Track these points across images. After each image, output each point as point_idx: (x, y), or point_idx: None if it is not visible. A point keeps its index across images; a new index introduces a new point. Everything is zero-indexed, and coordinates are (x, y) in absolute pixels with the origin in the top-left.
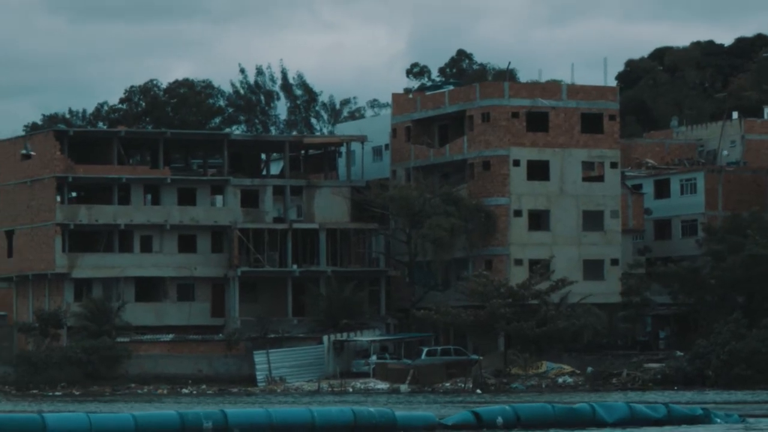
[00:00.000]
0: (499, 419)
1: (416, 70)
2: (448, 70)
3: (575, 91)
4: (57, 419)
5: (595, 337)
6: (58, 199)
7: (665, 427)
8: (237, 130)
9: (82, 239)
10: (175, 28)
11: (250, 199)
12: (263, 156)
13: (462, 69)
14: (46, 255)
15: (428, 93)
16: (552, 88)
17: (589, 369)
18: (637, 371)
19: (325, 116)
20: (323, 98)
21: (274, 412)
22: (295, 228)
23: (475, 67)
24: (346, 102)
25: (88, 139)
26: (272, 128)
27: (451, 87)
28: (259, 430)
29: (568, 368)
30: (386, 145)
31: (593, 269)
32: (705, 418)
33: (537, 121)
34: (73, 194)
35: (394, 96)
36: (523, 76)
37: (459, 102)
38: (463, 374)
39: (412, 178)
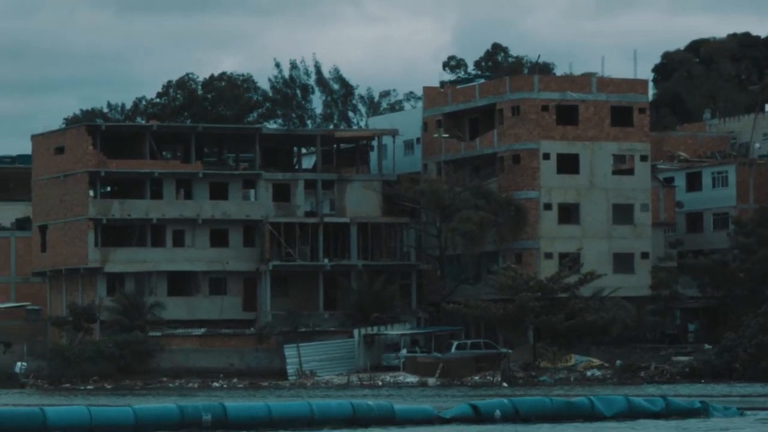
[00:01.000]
0: (497, 412)
1: (453, 63)
2: (483, 63)
3: (605, 84)
4: (57, 412)
5: (624, 331)
6: (91, 193)
7: (663, 420)
8: (273, 125)
9: (114, 234)
10: (220, 22)
11: (282, 193)
12: (299, 150)
13: (497, 62)
14: (79, 250)
15: (459, 86)
16: (582, 81)
17: (618, 362)
18: (665, 364)
19: (364, 110)
20: (362, 91)
21: (274, 406)
22: (326, 222)
23: (510, 60)
24: (385, 95)
25: (120, 133)
26: (308, 122)
27: (483, 80)
28: (258, 423)
29: (596, 361)
30: (417, 139)
31: (623, 262)
32: (703, 411)
33: (567, 115)
34: (107, 189)
35: (426, 89)
36: (566, 69)
37: (489, 95)
38: (492, 368)
39: (443, 171)
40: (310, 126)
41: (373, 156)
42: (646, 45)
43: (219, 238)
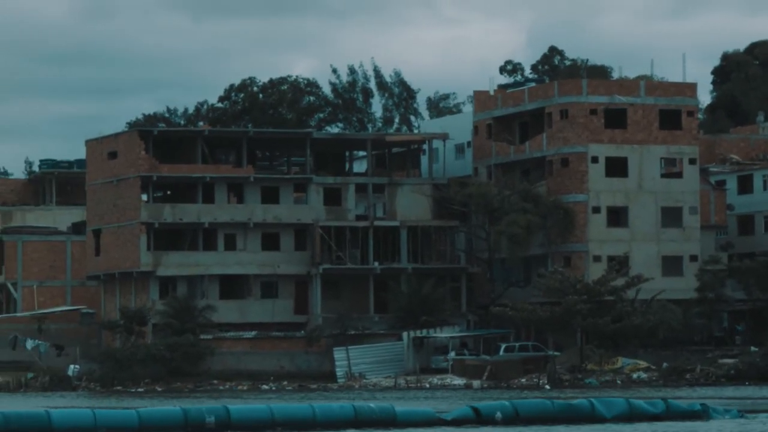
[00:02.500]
0: (498, 414)
1: (509, 67)
2: (540, 67)
3: (653, 87)
4: (62, 414)
5: (672, 333)
6: (144, 198)
7: (663, 423)
8: (335, 129)
9: (166, 238)
10: (294, 24)
11: (333, 197)
12: (357, 153)
13: (554, 66)
14: (132, 253)
15: (510, 90)
16: (630, 84)
17: (665, 365)
18: (711, 367)
19: (426, 113)
20: (430, 94)
21: (276, 408)
22: (376, 225)
23: (566, 63)
24: (444, 98)
25: (172, 138)
26: (369, 126)
27: (533, 84)
28: (261, 425)
29: (643, 364)
30: (468, 143)
31: (672, 265)
32: (703, 414)
33: (615, 118)
34: (159, 193)
35: (476, 93)
36: (638, 71)
37: (538, 99)
38: (540, 370)
39: (493, 175)
40: (370, 130)
41: (425, 160)
42: (716, 46)
43: (270, 242)
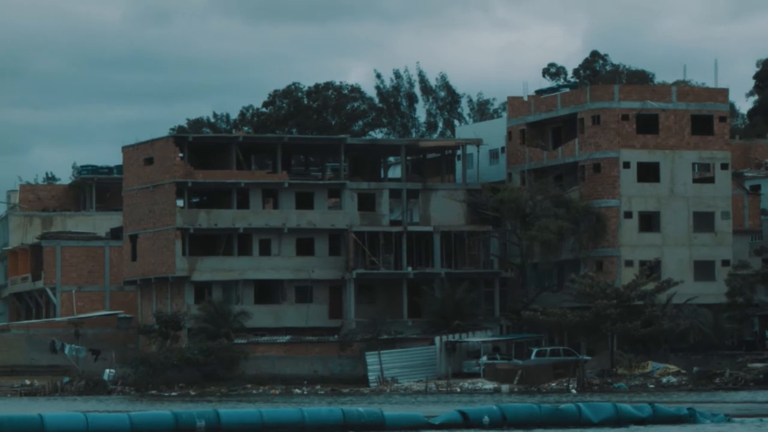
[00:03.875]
0: (486, 419)
1: (553, 71)
2: (581, 71)
3: (685, 93)
4: (55, 418)
5: (702, 337)
6: (180, 203)
7: (650, 427)
8: (379, 134)
9: (202, 243)
10: (348, 29)
11: (368, 203)
12: (391, 159)
13: (596, 70)
14: (168, 259)
15: (544, 96)
16: (661, 90)
17: (695, 369)
18: (740, 371)
19: (470, 117)
20: (485, 98)
21: (266, 412)
22: (410, 231)
23: (608, 68)
24: (485, 103)
25: (207, 144)
26: (413, 131)
27: (567, 90)
28: (251, 429)
29: (673, 368)
30: (502, 148)
31: (704, 270)
32: (690, 418)
33: (647, 123)
34: (195, 199)
35: (510, 99)
36: (696, 75)
37: (570, 105)
38: (570, 374)
39: (526, 180)
40: (414, 135)
41: (460, 165)
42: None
43: (305, 247)
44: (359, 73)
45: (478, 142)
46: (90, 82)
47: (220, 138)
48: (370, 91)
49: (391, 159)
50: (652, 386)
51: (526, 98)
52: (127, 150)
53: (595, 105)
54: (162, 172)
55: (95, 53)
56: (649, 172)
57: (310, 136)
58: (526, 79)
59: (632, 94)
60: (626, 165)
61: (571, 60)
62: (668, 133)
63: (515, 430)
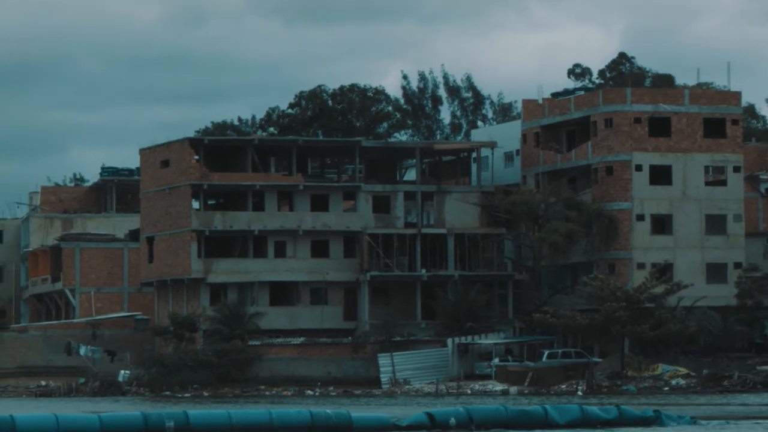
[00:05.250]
0: (452, 420)
1: (578, 71)
2: (607, 73)
3: (697, 96)
4: (26, 419)
5: (713, 340)
6: (195, 206)
7: (616, 429)
8: (404, 135)
9: (217, 245)
10: (385, 30)
11: (383, 205)
12: (411, 161)
13: (621, 72)
14: (183, 260)
15: (559, 98)
16: (674, 93)
17: (705, 371)
18: (749, 373)
19: (493, 119)
20: (497, 99)
21: (234, 413)
22: (424, 233)
23: (634, 69)
24: (508, 106)
25: (223, 147)
26: (437, 133)
27: (582, 92)
28: (219, 430)
29: (683, 370)
30: (517, 151)
31: (716, 272)
32: (656, 420)
33: (659, 127)
34: (212, 201)
35: (524, 102)
36: (734, 76)
37: (583, 108)
38: (581, 376)
39: (540, 183)
40: (438, 137)
41: (475, 168)
42: None
43: (320, 249)
44: (397, 75)
45: (492, 145)
46: (127, 83)
47: (236, 141)
48: (398, 93)
49: (411, 161)
50: (667, 389)
51: (540, 101)
52: (144, 152)
53: (608, 108)
54: (178, 175)
55: (132, 54)
56: (661, 175)
57: (325, 138)
58: (559, 79)
59: (644, 97)
60: (638, 168)
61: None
62: (681, 136)
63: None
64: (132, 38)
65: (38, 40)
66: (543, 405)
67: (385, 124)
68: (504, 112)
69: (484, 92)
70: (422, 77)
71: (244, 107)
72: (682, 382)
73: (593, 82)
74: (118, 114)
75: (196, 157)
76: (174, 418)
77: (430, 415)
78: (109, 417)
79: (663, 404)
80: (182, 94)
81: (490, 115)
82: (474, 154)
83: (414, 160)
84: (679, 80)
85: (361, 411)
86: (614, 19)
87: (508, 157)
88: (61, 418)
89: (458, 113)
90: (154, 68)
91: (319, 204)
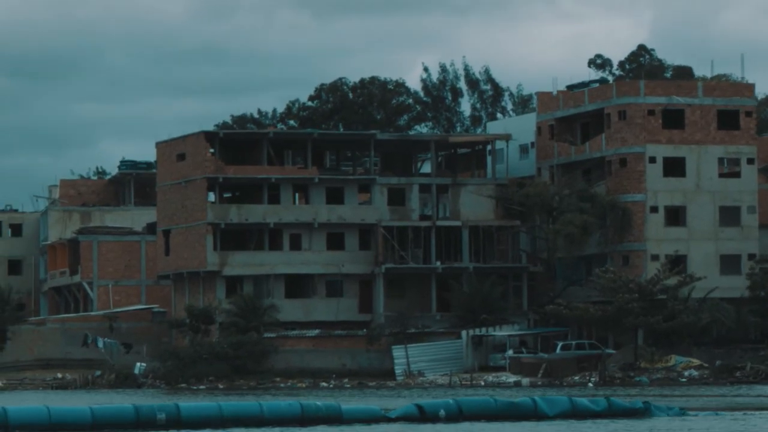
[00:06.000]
0: (442, 412)
1: (599, 62)
2: (627, 65)
3: (711, 88)
4: (18, 411)
5: (726, 331)
6: (211, 199)
7: (605, 420)
8: (424, 128)
9: (233, 238)
10: (414, 21)
11: (398, 198)
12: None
13: (641, 64)
14: (199, 253)
15: (575, 90)
16: (687, 85)
17: (718, 362)
18: (761, 365)
19: (513, 111)
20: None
21: (225, 406)
22: (438, 225)
23: (653, 62)
24: (528, 98)
25: (239, 140)
26: (457, 125)
27: (597, 84)
28: (210, 422)
29: (696, 362)
30: (532, 143)
31: (730, 264)
32: (645, 411)
33: (673, 119)
34: (227, 194)
35: (539, 95)
36: (759, 68)
37: (597, 100)
38: (594, 368)
39: (555, 175)
40: (458, 129)
41: (490, 160)
42: None
43: (335, 242)
44: (429, 65)
45: (507, 137)
46: (156, 76)
47: (251, 134)
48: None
49: (427, 154)
50: (684, 380)
51: (555, 93)
52: (160, 146)
53: (621, 100)
54: (193, 168)
55: (161, 47)
56: (675, 167)
57: (340, 131)
58: (583, 71)
59: (658, 90)
60: (652, 160)
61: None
62: (694, 128)
63: (469, 423)
64: (161, 31)
65: (67, 33)
66: (532, 396)
67: (405, 117)
68: (524, 104)
69: (510, 84)
70: (443, 69)
71: (272, 100)
72: (695, 373)
73: (613, 74)
74: (146, 107)
75: (212, 150)
76: (165, 411)
77: (419, 407)
78: (100, 409)
79: (673, 396)
80: (211, 87)
81: (509, 107)
82: (489, 147)
83: (429, 153)
84: (705, 72)
85: (352, 403)
86: (642, 10)
87: (523, 149)
88: (52, 410)
89: (478, 105)
90: (183, 61)
91: (335, 197)
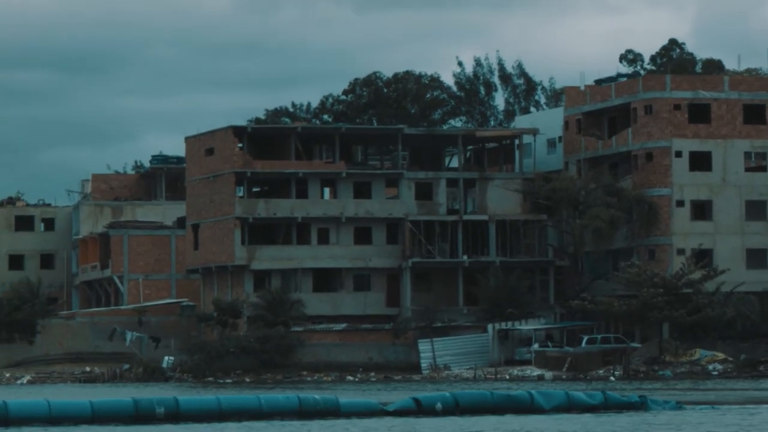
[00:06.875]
0: (439, 405)
1: (630, 57)
2: (658, 59)
3: (737, 82)
4: (18, 405)
5: (752, 325)
6: (240, 193)
7: (601, 414)
8: (458, 122)
9: (261, 232)
10: (456, 15)
11: (425, 192)
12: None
13: (672, 58)
14: (227, 248)
15: (603, 85)
16: (713, 80)
17: (742, 356)
18: None
19: (546, 105)
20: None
21: (224, 399)
22: (465, 220)
23: (685, 56)
24: (560, 92)
25: (267, 134)
26: (491, 119)
27: (624, 79)
28: (209, 416)
29: (721, 356)
30: (560, 138)
31: (756, 258)
32: (641, 405)
33: (699, 113)
34: (256, 189)
35: (567, 89)
36: None
37: (624, 95)
38: (619, 362)
39: (582, 170)
40: (492, 123)
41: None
42: None
43: (362, 236)
44: (465, 60)
45: (534, 132)
46: (199, 70)
47: (279, 128)
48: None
49: (455, 148)
50: (715, 373)
51: (582, 88)
52: (189, 140)
53: (647, 95)
54: (222, 163)
55: (205, 41)
56: (701, 161)
57: (367, 126)
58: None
59: (684, 84)
60: (678, 154)
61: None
62: (720, 123)
63: (466, 416)
64: (204, 25)
65: (112, 27)
66: (529, 390)
67: (439, 111)
68: (557, 98)
69: (546, 77)
70: (477, 63)
71: (312, 93)
72: (719, 367)
73: (644, 68)
74: (187, 101)
75: (240, 144)
76: (164, 404)
77: (416, 401)
78: (100, 402)
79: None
80: (252, 81)
81: (543, 101)
82: (517, 141)
83: (452, 148)
84: (743, 65)
85: (349, 397)
86: (686, 3)
87: (551, 143)
88: (52, 404)
89: (511, 100)
90: (225, 55)
91: (362, 191)
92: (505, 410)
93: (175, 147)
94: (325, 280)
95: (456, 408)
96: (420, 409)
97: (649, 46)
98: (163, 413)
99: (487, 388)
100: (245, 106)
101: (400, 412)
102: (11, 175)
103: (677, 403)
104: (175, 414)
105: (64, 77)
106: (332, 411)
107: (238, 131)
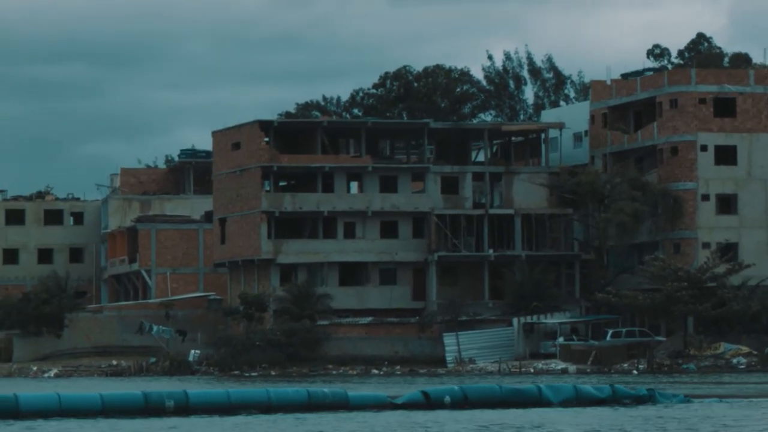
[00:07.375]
0: (447, 398)
1: (657, 51)
2: (686, 53)
3: (762, 76)
4: (29, 397)
5: None
6: (267, 187)
7: (609, 407)
8: (488, 116)
9: (287, 226)
10: (491, 9)
11: (451, 186)
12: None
13: (699, 52)
14: (254, 242)
15: (629, 79)
16: (739, 74)
17: (766, 350)
18: None
19: (575, 99)
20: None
21: (233, 392)
22: (491, 213)
23: (713, 50)
24: (588, 86)
25: (294, 129)
26: (521, 113)
27: (650, 73)
28: (218, 409)
29: (745, 349)
30: (586, 132)
31: None
32: (649, 398)
33: (724, 107)
34: (282, 183)
35: (593, 83)
36: None
37: (649, 89)
38: (643, 355)
39: (608, 163)
40: (521, 117)
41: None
42: None
43: (389, 230)
44: (500, 54)
45: (560, 126)
46: (234, 64)
47: (305, 123)
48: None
49: (482, 142)
50: (742, 366)
51: (608, 82)
52: (216, 135)
53: (673, 89)
54: (248, 157)
55: (239, 35)
56: (726, 155)
57: (393, 120)
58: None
59: (709, 78)
60: (704, 148)
61: (717, 40)
62: (746, 116)
63: (474, 410)
64: (239, 19)
65: (146, 21)
66: (537, 384)
67: (468, 105)
68: (586, 92)
69: (576, 71)
70: (507, 57)
71: (345, 87)
72: (743, 360)
73: (672, 63)
74: (222, 95)
75: (266, 139)
76: (174, 398)
77: (425, 394)
78: (110, 395)
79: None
80: (287, 74)
81: (572, 95)
82: (543, 135)
83: (481, 142)
84: None
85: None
86: None
87: (577, 137)
88: (63, 397)
89: (541, 93)
90: (261, 49)
91: (388, 185)
92: (513, 404)
93: (207, 141)
94: (351, 274)
95: (464, 401)
96: (428, 403)
97: (678, 40)
98: (172, 406)
99: (509, 382)
100: (278, 100)
101: (409, 405)
102: (45, 169)
103: (685, 396)
104: (185, 407)
105: (99, 71)
106: (341, 404)
107: (264, 125)
